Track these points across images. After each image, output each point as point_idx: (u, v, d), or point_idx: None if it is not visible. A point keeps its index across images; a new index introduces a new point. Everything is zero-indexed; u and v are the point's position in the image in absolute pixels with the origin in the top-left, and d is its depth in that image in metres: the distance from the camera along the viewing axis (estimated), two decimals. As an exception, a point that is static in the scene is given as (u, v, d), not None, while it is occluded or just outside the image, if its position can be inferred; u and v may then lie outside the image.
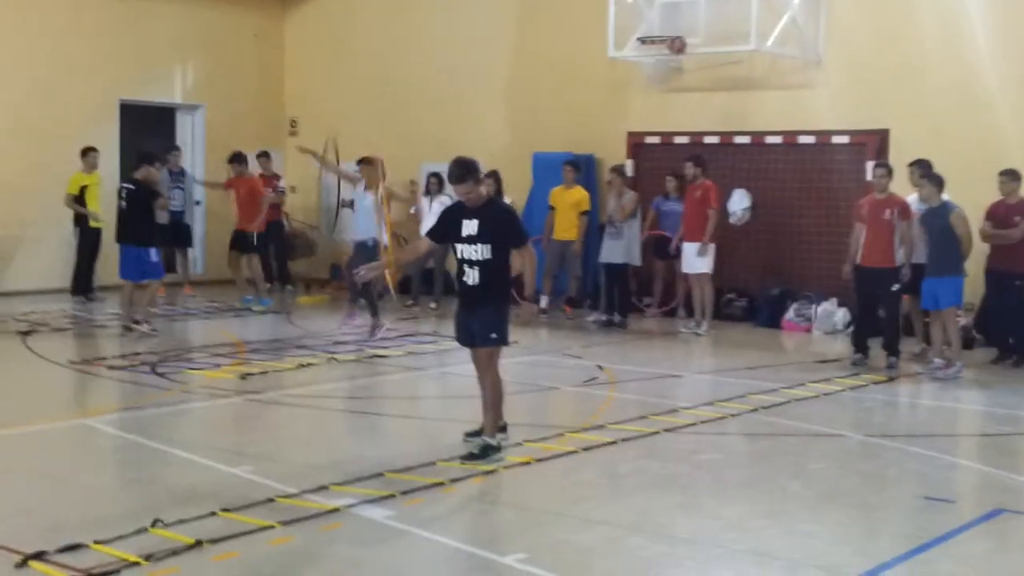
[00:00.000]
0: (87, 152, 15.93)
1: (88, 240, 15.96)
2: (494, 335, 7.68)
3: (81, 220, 15.90)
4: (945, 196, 11.44)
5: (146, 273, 13.11)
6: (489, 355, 7.72)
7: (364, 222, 13.13)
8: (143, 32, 17.86)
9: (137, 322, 12.97)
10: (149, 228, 13.18)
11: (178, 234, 17.04)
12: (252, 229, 15.53)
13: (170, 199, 16.29)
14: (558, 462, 7.57)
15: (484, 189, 8.29)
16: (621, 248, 14.14)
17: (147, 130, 18.41)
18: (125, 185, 13.37)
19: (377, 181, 13.08)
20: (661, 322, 15.09)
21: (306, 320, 14.65)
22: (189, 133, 18.90)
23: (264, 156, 17.75)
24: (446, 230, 7.82)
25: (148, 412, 9.09)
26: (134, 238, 13.04)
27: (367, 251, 12.74)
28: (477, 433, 7.75)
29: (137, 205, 13.02)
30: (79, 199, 15.81)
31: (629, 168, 15.91)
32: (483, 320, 7.66)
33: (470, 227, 7.58)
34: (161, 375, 10.48)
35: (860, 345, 11.96)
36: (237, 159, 15.87)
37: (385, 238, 12.97)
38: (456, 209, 7.82)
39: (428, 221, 15.53)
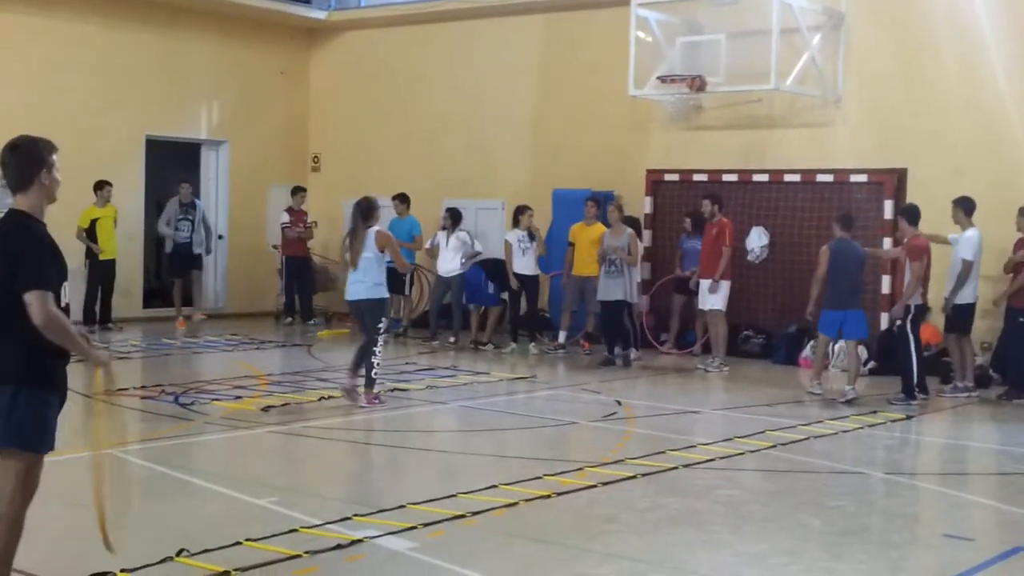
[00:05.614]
0: (101, 186, 16.25)
1: (98, 272, 16.17)
2: None
3: (91, 252, 16.13)
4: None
5: (486, 300, 15.71)
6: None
7: None
8: (171, 69, 18.11)
9: (483, 343, 15.41)
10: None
11: (184, 262, 17.38)
12: None
13: (178, 230, 17.16)
14: (578, 496, 7.60)
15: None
16: (620, 286, 14.17)
17: (172, 165, 18.65)
18: None
19: None
20: (678, 358, 15.12)
21: (326, 353, 14.75)
22: (213, 169, 19.10)
23: (300, 191, 18.05)
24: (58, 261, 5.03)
25: (171, 442, 9.17)
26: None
27: None
28: None
29: None
30: (90, 232, 16.09)
31: (648, 205, 16.06)
32: None
33: None
34: (183, 406, 10.58)
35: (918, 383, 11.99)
36: None
37: None
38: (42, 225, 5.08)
39: (446, 256, 15.69)
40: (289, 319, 17.79)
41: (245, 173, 19.05)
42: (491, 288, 15.74)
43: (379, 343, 10.90)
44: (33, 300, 4.78)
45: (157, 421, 9.95)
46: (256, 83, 19.25)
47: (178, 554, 5.91)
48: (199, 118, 18.77)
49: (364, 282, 10.91)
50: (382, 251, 10.97)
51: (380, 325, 10.92)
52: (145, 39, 17.79)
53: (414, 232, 16.48)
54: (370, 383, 10.92)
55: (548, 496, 7.49)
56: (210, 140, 18.95)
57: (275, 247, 18.86)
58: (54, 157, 5.06)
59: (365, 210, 11.05)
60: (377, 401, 10.93)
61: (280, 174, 19.50)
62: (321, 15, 19.54)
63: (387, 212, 17.35)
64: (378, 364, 10.93)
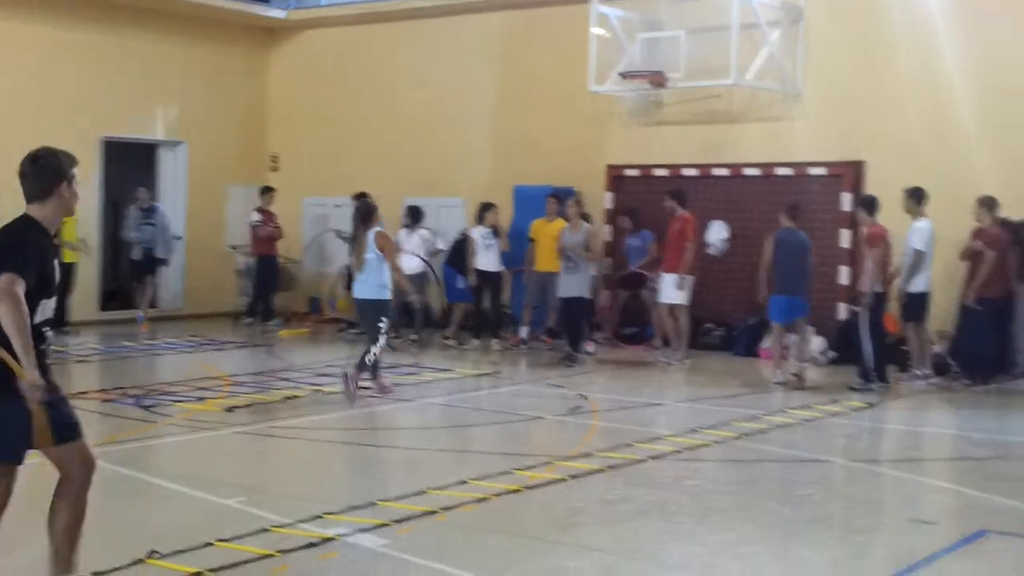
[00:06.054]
0: None
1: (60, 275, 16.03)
2: None
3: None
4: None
5: (456, 296, 15.88)
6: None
7: None
8: (127, 69, 17.92)
9: (446, 338, 15.54)
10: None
11: (149, 265, 17.33)
12: None
13: (140, 234, 17.12)
14: (548, 490, 7.63)
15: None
16: (577, 282, 14.23)
17: (129, 167, 18.48)
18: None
19: None
20: (639, 352, 15.17)
21: (288, 353, 14.70)
22: (171, 170, 18.95)
23: (269, 191, 17.93)
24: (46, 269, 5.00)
25: (135, 445, 9.10)
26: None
27: None
28: None
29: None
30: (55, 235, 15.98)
31: (608, 200, 16.16)
32: None
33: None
34: (146, 408, 10.49)
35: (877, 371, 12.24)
36: None
37: None
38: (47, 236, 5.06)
39: (407, 255, 15.68)
40: (250, 319, 17.68)
41: (203, 174, 18.90)
42: (460, 283, 15.74)
43: (380, 341, 11.17)
44: (2, 278, 4.70)
45: (120, 424, 9.85)
46: (214, 83, 19.11)
47: (149, 556, 5.86)
48: (156, 119, 18.60)
49: (367, 283, 11.23)
50: (381, 251, 11.19)
51: (381, 324, 11.16)
52: (101, 40, 17.60)
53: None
54: (361, 366, 11.12)
55: (518, 490, 7.51)
56: (167, 141, 18.80)
57: (234, 247, 18.75)
58: (75, 170, 5.05)
59: (365, 214, 11.43)
60: (353, 386, 11.01)
61: (238, 174, 19.39)
62: (281, 14, 19.43)
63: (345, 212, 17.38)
64: (375, 354, 11.15)
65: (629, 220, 15.52)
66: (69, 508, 5.09)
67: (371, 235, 11.28)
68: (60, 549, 5.12)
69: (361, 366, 11.13)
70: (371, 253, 11.24)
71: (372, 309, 11.24)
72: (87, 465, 5.11)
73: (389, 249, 11.37)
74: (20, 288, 4.75)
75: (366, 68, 18.77)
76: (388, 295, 11.36)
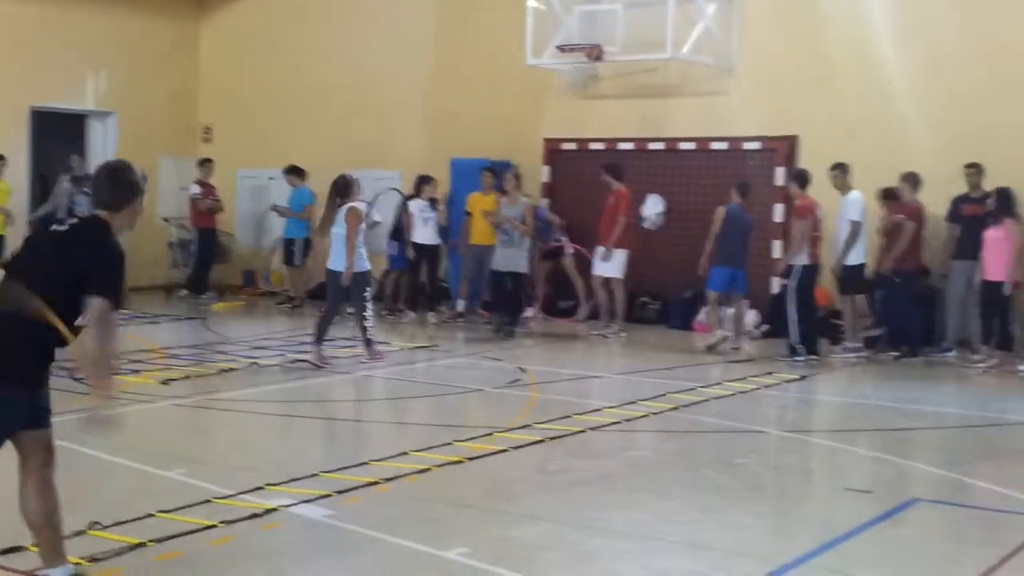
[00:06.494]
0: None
1: None
2: None
3: None
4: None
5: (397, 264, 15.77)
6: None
7: None
8: (56, 37, 17.54)
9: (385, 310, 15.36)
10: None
11: None
12: None
13: (74, 205, 16.46)
14: (489, 460, 7.67)
15: None
16: (511, 256, 14.29)
17: (58, 137, 18.12)
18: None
19: None
20: (570, 325, 15.26)
21: (223, 326, 14.56)
22: (101, 140, 18.61)
23: (207, 163, 17.68)
24: None
25: (71, 417, 8.91)
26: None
27: None
28: None
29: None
30: None
31: (545, 174, 16.19)
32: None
33: None
34: (79, 380, 10.32)
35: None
36: None
37: None
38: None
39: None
40: (185, 292, 17.46)
41: (134, 145, 18.51)
42: (394, 250, 15.77)
43: (367, 310, 11.56)
44: (100, 303, 4.70)
45: (55, 397, 9.65)
46: (145, 52, 18.76)
47: (90, 527, 5.82)
48: (86, 89, 18.24)
49: (343, 255, 11.40)
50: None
51: (365, 294, 11.49)
52: (28, 7, 17.19)
53: (305, 202, 16.40)
54: (368, 343, 11.55)
55: (460, 461, 7.54)
56: (97, 111, 18.46)
57: (166, 219, 18.50)
58: (147, 186, 5.07)
59: (341, 188, 11.59)
60: (379, 357, 11.61)
61: (170, 145, 19.11)
62: (212, -18, 19.14)
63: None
64: (372, 327, 11.61)
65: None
66: (36, 487, 5.17)
67: (342, 210, 11.39)
68: (43, 537, 5.16)
69: (368, 343, 11.56)
70: (340, 228, 11.37)
71: (352, 283, 11.39)
72: (48, 451, 5.18)
73: (350, 225, 11.41)
74: (114, 315, 4.78)
75: (300, 39, 18.54)
76: (365, 266, 11.56)
